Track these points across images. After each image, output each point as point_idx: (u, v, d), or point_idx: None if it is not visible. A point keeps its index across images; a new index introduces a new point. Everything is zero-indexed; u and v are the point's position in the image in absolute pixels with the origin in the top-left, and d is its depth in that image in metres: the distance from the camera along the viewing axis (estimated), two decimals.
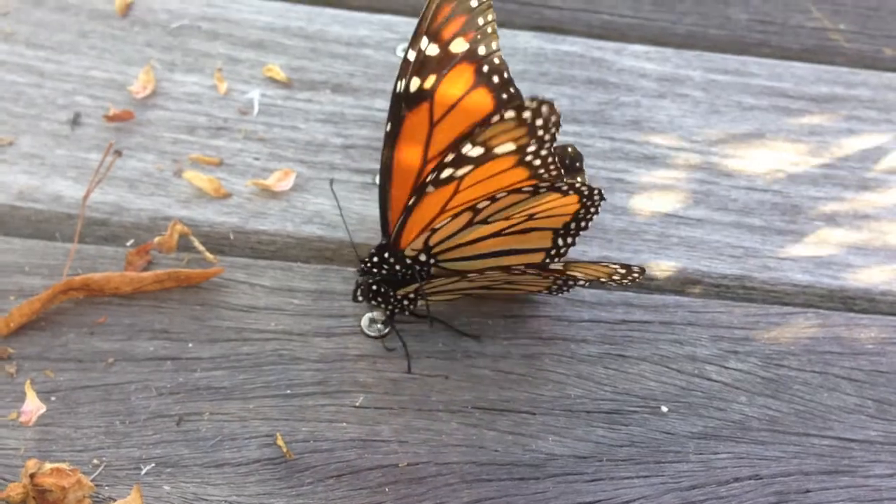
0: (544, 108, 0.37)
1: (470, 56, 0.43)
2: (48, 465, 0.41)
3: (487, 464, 0.43)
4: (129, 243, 0.50)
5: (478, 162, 0.38)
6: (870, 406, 0.47)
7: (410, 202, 0.40)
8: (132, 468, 0.42)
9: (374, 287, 0.46)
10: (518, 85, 0.58)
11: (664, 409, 0.46)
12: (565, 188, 0.40)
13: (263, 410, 0.45)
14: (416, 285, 0.44)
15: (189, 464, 0.43)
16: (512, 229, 0.43)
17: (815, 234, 0.53)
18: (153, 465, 0.43)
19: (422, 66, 0.42)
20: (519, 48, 0.61)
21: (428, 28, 0.42)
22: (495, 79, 0.43)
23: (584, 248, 0.51)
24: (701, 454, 0.44)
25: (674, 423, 0.45)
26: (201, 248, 0.49)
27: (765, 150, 0.57)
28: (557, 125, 0.38)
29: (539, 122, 0.38)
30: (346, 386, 0.46)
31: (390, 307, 0.46)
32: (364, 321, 0.48)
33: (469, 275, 0.43)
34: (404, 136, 0.43)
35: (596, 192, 0.41)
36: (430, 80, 0.42)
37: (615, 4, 0.65)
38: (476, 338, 0.47)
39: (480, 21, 0.42)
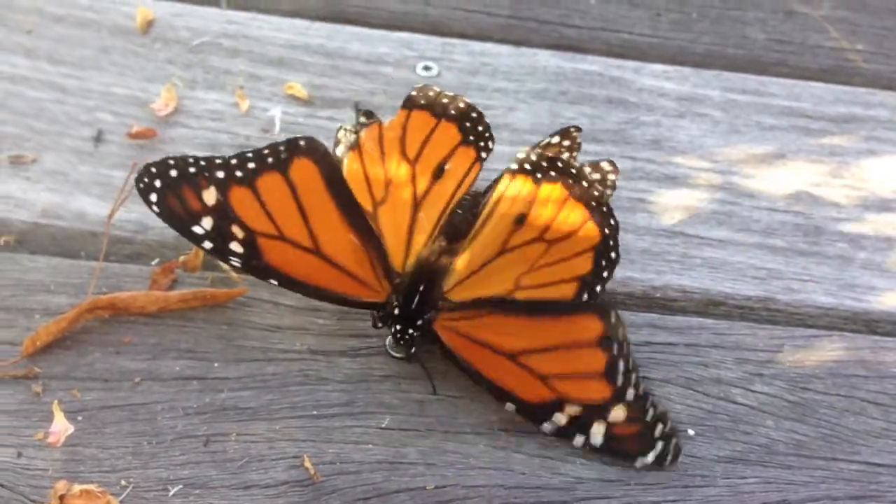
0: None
1: None
2: (77, 487, 0.40)
3: (515, 487, 0.43)
4: (154, 262, 0.50)
5: None
6: None
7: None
8: (160, 489, 0.42)
9: (399, 334, 0.45)
10: (538, 104, 0.59)
11: (691, 432, 0.46)
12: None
13: (290, 431, 0.44)
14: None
15: (217, 485, 0.43)
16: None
17: (838, 255, 0.53)
18: (181, 486, 0.42)
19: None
20: (538, 67, 0.61)
21: None
22: None
23: None
24: (728, 478, 0.44)
25: (700, 446, 0.45)
26: (226, 266, 0.49)
27: (786, 171, 0.57)
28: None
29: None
30: (371, 407, 0.46)
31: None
32: (389, 341, 0.48)
33: None
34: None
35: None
36: None
37: (634, 23, 0.66)
38: None
39: None
